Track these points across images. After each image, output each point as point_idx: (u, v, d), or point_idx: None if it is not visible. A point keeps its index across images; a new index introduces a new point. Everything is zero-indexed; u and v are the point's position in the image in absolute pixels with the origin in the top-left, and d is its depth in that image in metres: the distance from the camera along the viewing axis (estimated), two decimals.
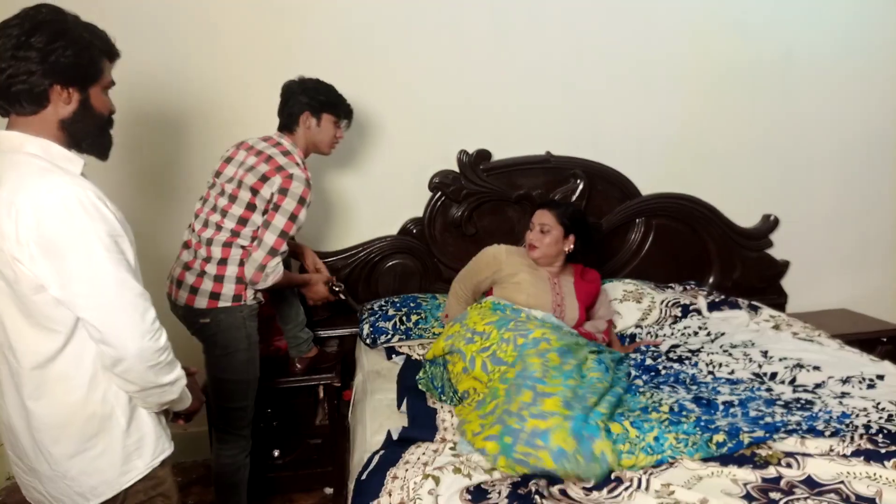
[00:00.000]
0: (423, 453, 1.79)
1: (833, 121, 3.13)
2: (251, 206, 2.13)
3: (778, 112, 3.09)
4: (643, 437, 1.77)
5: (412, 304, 2.78)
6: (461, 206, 2.94)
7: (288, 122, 2.28)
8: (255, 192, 2.13)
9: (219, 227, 2.14)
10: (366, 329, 2.69)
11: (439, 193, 2.92)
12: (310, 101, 2.24)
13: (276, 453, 2.67)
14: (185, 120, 2.71)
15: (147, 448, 1.40)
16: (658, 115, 3.02)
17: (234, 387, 2.17)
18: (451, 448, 1.82)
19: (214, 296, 2.11)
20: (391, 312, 2.73)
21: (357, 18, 2.77)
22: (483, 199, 2.95)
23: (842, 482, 1.60)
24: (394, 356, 2.54)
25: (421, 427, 1.95)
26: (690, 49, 2.99)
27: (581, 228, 2.40)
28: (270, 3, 2.70)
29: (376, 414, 2.10)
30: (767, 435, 1.80)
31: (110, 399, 1.34)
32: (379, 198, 2.94)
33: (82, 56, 1.28)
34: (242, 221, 2.13)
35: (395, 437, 1.88)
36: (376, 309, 2.78)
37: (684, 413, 1.93)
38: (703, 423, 1.84)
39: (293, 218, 2.12)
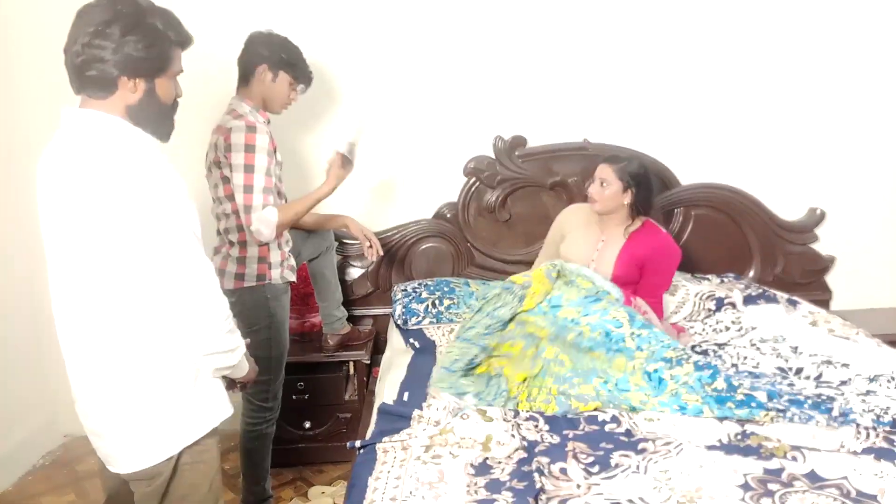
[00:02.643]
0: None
1: (887, 111, 3.00)
2: (225, 180, 2.15)
3: (828, 101, 2.97)
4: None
5: (445, 289, 2.83)
6: (496, 191, 2.97)
7: (244, 73, 2.23)
8: (218, 165, 2.15)
9: (225, 216, 2.20)
10: (398, 310, 2.75)
11: (474, 179, 2.96)
12: (270, 55, 2.20)
13: (308, 425, 2.79)
14: None
15: (201, 414, 1.48)
16: (699, 103, 2.96)
17: (257, 362, 2.26)
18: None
19: (239, 276, 2.20)
20: (424, 295, 2.79)
21: (395, 2, 2.82)
22: (518, 185, 2.97)
23: (845, 477, 1.58)
24: (412, 340, 2.57)
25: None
26: (735, 34, 2.91)
27: (641, 183, 2.41)
28: None
29: (392, 390, 2.17)
30: (767, 401, 1.85)
31: (172, 363, 1.42)
32: (414, 182, 3.00)
33: (152, 49, 1.36)
34: (230, 198, 2.15)
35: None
36: (409, 290, 2.84)
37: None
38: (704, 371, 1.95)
39: (249, 168, 2.07)
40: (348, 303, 2.95)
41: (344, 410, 2.80)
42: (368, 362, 2.77)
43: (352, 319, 2.92)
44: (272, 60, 2.20)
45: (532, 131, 2.96)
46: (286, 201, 2.35)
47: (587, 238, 2.52)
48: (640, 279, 2.46)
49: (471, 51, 2.89)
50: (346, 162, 2.31)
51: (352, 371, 2.83)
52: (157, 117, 1.44)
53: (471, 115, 2.94)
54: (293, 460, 2.80)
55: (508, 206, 3.00)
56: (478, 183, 2.97)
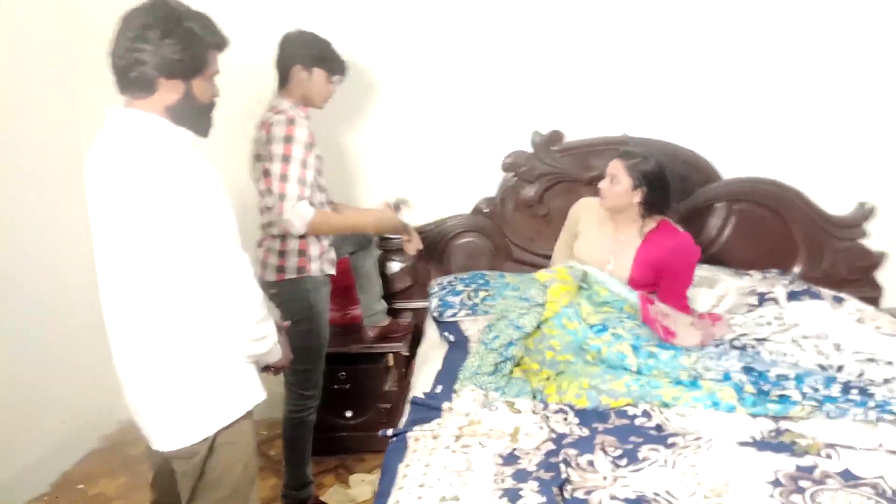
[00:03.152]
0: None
1: None
2: (266, 173, 2.22)
3: (876, 89, 2.87)
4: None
5: (480, 281, 2.85)
6: (533, 186, 2.98)
7: (282, 75, 2.30)
8: (259, 158, 2.23)
9: (268, 209, 2.27)
10: (434, 302, 2.79)
11: (512, 174, 2.98)
12: (302, 53, 2.26)
13: (349, 414, 2.86)
14: None
15: (236, 398, 1.57)
16: (741, 94, 2.90)
17: (298, 352, 2.33)
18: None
19: (280, 269, 2.28)
20: (459, 288, 2.82)
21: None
22: (555, 180, 2.98)
23: (881, 477, 1.55)
24: (446, 333, 2.60)
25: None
26: (778, 22, 2.84)
27: (654, 182, 2.35)
28: None
29: (426, 383, 2.22)
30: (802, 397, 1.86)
31: (208, 349, 1.50)
32: (453, 177, 3.02)
33: (189, 52, 1.44)
34: (271, 192, 2.21)
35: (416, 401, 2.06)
36: (445, 284, 2.88)
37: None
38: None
39: (286, 159, 2.14)
40: (389, 296, 3.01)
41: (384, 401, 2.86)
42: (407, 354, 2.82)
43: (392, 312, 2.98)
44: (305, 59, 2.27)
45: (570, 126, 2.96)
46: (327, 195, 2.41)
47: (601, 238, 2.49)
48: (656, 281, 2.44)
49: (508, 45, 2.90)
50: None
51: (391, 363, 2.89)
52: (196, 115, 1.51)
53: (508, 110, 2.96)
54: (335, 448, 2.88)
55: (546, 202, 3.01)
56: (515, 178, 2.98)
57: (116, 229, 1.45)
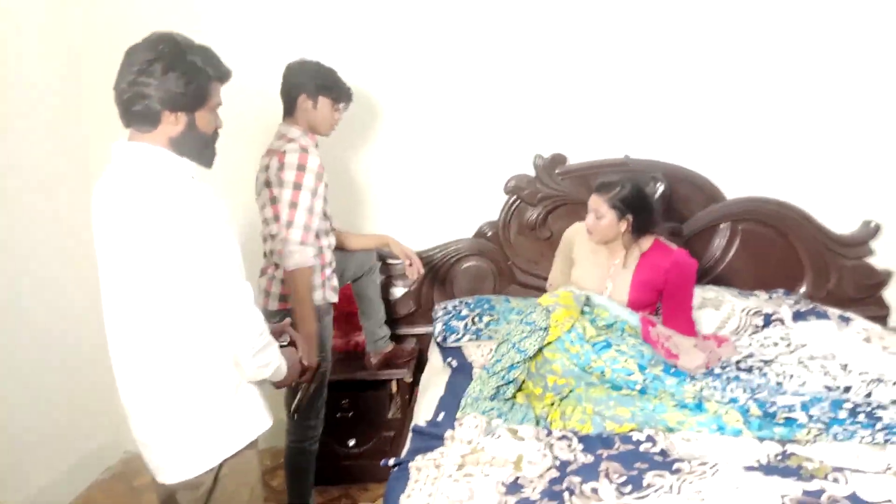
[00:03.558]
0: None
1: None
2: (274, 200, 2.22)
3: (880, 107, 2.87)
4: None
5: (486, 306, 2.84)
6: (536, 209, 2.98)
7: (287, 105, 2.32)
8: (268, 185, 2.23)
9: (272, 237, 2.28)
10: (438, 327, 2.78)
11: (514, 197, 2.98)
12: (306, 82, 2.27)
13: (352, 442, 2.84)
14: None
15: (241, 427, 1.57)
16: (744, 114, 2.91)
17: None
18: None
19: (283, 298, 2.28)
20: (464, 312, 2.81)
21: (429, 19, 2.88)
22: (559, 203, 2.98)
23: (889, 500, 1.52)
24: (449, 359, 2.59)
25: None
26: (779, 44, 2.85)
27: (637, 208, 2.35)
28: None
29: (428, 410, 2.20)
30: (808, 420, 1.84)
31: (213, 379, 1.51)
32: (455, 200, 3.03)
33: (191, 85, 1.47)
34: (277, 219, 2.21)
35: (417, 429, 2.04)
36: (450, 308, 2.87)
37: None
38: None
39: (297, 186, 2.15)
40: (392, 322, 3.01)
41: (388, 429, 2.83)
42: (411, 381, 2.80)
43: (396, 338, 2.97)
44: (309, 88, 2.28)
45: (572, 148, 2.97)
46: (331, 222, 2.42)
47: (597, 265, 2.50)
48: (657, 300, 2.44)
49: (510, 69, 2.92)
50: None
51: (395, 389, 2.87)
52: (199, 147, 1.54)
53: (511, 134, 2.97)
54: (339, 477, 2.85)
55: (549, 224, 3.01)
56: (518, 201, 2.99)
57: (121, 261, 1.47)
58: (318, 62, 2.36)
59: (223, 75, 1.55)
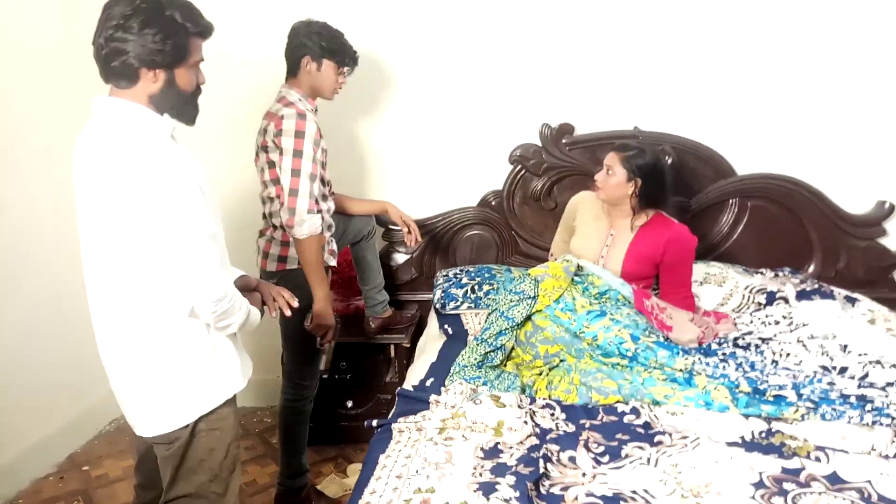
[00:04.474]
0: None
1: None
2: (271, 164, 2.21)
3: None
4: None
5: (486, 275, 2.84)
6: (541, 179, 2.95)
7: (291, 66, 2.29)
8: (265, 149, 2.22)
9: (270, 199, 2.28)
10: (437, 294, 2.78)
11: (520, 167, 2.94)
12: (311, 45, 2.23)
13: (350, 404, 2.87)
14: None
15: (216, 386, 1.59)
16: (756, 88, 2.83)
17: (296, 340, 2.35)
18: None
19: (282, 259, 2.28)
20: (464, 281, 2.81)
21: None
22: (564, 174, 2.94)
23: (868, 481, 1.50)
24: (446, 325, 2.59)
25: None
26: (795, 12, 2.76)
27: (649, 175, 2.35)
28: None
29: (418, 375, 2.21)
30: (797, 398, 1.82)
31: (189, 338, 1.52)
32: (460, 169, 3.01)
33: (170, 42, 1.44)
34: (275, 182, 2.22)
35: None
36: (451, 276, 2.87)
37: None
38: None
39: (297, 154, 2.14)
40: (394, 288, 3.01)
41: (385, 392, 2.86)
42: (409, 346, 2.82)
43: (397, 304, 2.98)
44: (314, 51, 2.25)
45: (580, 118, 2.92)
46: (330, 187, 2.42)
47: (597, 233, 2.50)
48: (652, 273, 2.42)
49: (518, 37, 2.86)
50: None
51: (393, 354, 2.89)
52: (180, 104, 1.52)
53: (517, 102, 2.93)
54: (336, 437, 2.90)
55: (555, 195, 2.97)
56: (524, 171, 2.95)
57: (98, 219, 1.47)
58: (325, 23, 2.32)
59: (204, 31, 1.51)
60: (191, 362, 1.53)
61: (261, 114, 2.35)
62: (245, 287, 1.71)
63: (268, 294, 1.76)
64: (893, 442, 1.66)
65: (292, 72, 2.31)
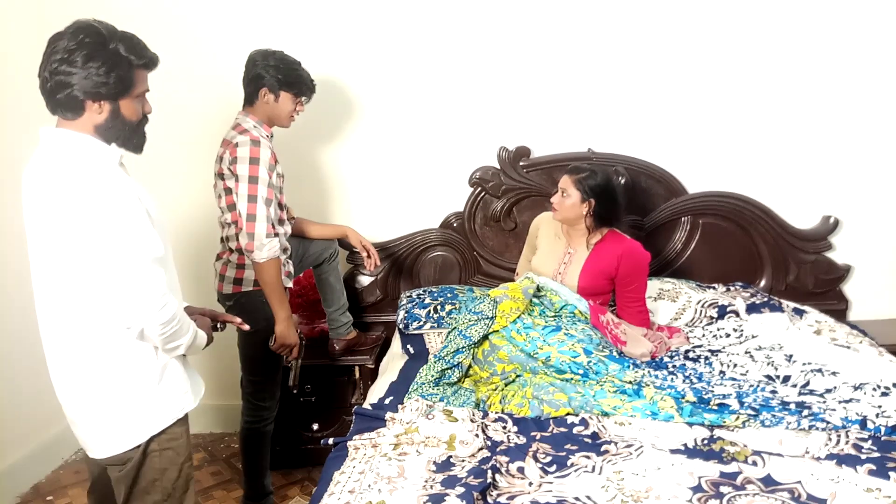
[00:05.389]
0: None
1: None
2: (228, 191, 2.27)
3: (840, 104, 2.90)
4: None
5: (449, 295, 2.89)
6: (501, 200, 3.02)
7: (248, 95, 2.35)
8: (222, 176, 2.28)
9: (227, 224, 2.33)
10: (401, 314, 2.83)
11: (479, 189, 3.02)
12: (269, 77, 2.29)
13: (315, 427, 2.89)
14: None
15: (167, 406, 1.62)
16: (706, 110, 2.94)
17: (253, 362, 2.39)
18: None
19: (237, 281, 2.33)
20: (427, 301, 2.86)
21: (396, 12, 2.91)
22: (523, 195, 3.02)
23: (799, 482, 1.56)
24: (408, 346, 2.63)
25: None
26: (742, 39, 2.88)
27: (601, 195, 2.43)
28: None
29: (378, 394, 2.25)
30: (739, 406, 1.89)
31: (138, 360, 1.56)
32: (421, 191, 3.07)
33: (113, 74, 1.48)
34: (231, 208, 2.28)
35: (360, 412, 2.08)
36: (414, 297, 2.92)
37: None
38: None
39: (253, 180, 2.19)
40: (360, 309, 3.06)
41: (350, 413, 2.85)
42: (373, 367, 2.85)
43: (363, 326, 3.03)
44: (271, 83, 2.30)
45: (536, 141, 3.01)
46: (287, 211, 2.47)
47: (555, 251, 2.59)
48: (608, 288, 2.50)
49: (475, 62, 2.96)
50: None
51: (357, 375, 2.92)
52: (126, 134, 1.56)
53: (476, 126, 3.01)
54: (302, 461, 2.92)
55: (514, 216, 3.05)
56: (483, 193, 3.03)
57: (47, 244, 1.51)
58: (283, 53, 2.37)
59: (149, 63, 1.56)
60: (140, 383, 1.56)
61: (220, 138, 2.41)
62: (190, 314, 1.75)
63: (219, 315, 1.83)
64: (827, 444, 1.73)
65: (249, 101, 2.36)
